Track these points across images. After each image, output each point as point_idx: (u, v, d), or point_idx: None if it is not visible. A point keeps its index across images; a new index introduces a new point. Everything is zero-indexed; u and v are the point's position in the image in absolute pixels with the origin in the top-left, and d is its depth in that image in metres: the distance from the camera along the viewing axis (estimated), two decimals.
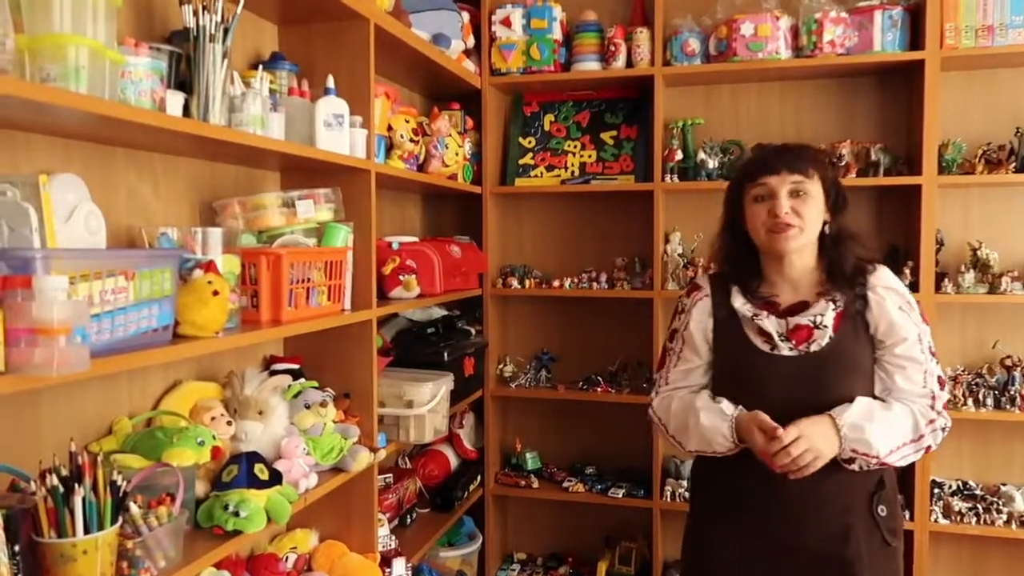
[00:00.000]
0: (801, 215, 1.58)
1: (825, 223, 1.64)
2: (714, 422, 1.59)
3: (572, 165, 3.00)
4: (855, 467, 1.55)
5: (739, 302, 1.66)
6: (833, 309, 1.60)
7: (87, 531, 1.19)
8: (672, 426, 1.71)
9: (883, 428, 1.52)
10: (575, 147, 3.02)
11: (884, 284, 1.62)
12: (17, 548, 1.12)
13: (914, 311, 1.61)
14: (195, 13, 1.50)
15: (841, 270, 1.62)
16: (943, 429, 1.59)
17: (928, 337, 1.61)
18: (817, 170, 1.62)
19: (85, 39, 1.18)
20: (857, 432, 1.51)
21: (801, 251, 1.63)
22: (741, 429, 1.57)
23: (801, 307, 1.63)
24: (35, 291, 1.05)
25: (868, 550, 1.58)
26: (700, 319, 1.71)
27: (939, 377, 1.61)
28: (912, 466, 2.48)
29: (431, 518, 2.70)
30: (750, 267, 1.70)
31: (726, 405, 1.60)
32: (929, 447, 1.58)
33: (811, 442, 1.49)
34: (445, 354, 2.47)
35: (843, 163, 2.60)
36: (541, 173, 3.02)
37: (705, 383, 1.72)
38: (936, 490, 2.66)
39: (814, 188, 1.60)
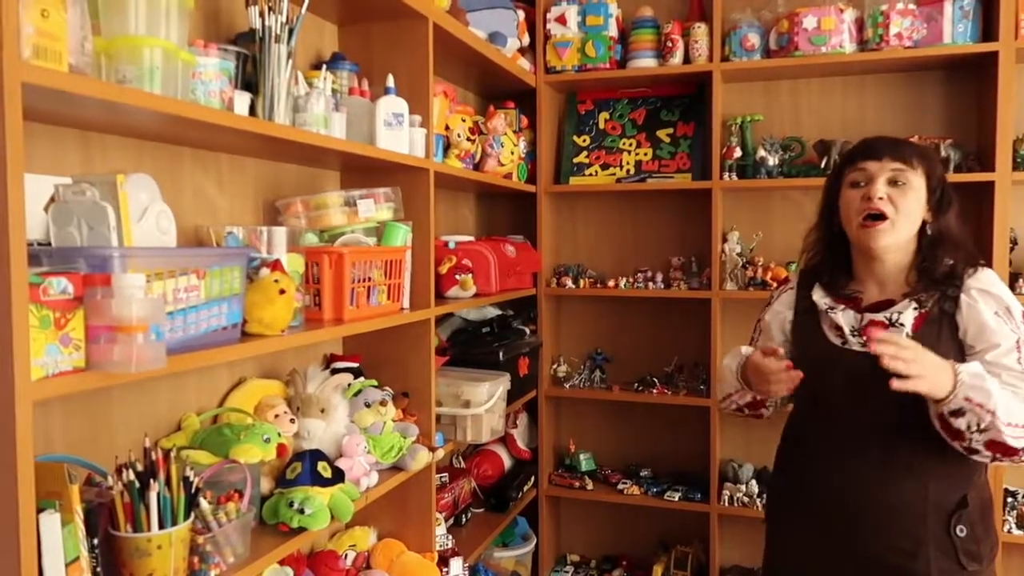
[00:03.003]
0: (897, 206, 1.51)
1: (925, 223, 1.55)
2: (729, 362, 1.68)
3: (627, 163, 2.96)
4: (961, 424, 1.38)
5: (818, 295, 1.64)
6: (915, 309, 1.52)
7: (161, 526, 1.20)
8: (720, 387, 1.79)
9: (1002, 392, 1.37)
10: (630, 145, 2.98)
11: (980, 287, 1.49)
12: (95, 541, 1.14)
13: (1014, 319, 1.47)
14: (261, 14, 1.52)
15: (931, 272, 1.53)
16: None
17: None
18: (922, 163, 1.53)
19: (159, 40, 1.20)
20: (978, 380, 1.37)
21: (895, 249, 1.55)
22: (748, 365, 1.59)
23: (885, 305, 1.57)
24: (114, 289, 1.07)
25: (939, 570, 1.48)
26: (779, 310, 1.75)
27: None
28: None
29: (486, 518, 2.69)
30: (840, 262, 1.66)
31: (745, 348, 1.66)
32: None
33: (922, 359, 1.35)
34: (501, 354, 2.46)
35: None
36: (596, 172, 2.99)
37: None
38: (1009, 499, 2.57)
39: (916, 180, 1.52)
